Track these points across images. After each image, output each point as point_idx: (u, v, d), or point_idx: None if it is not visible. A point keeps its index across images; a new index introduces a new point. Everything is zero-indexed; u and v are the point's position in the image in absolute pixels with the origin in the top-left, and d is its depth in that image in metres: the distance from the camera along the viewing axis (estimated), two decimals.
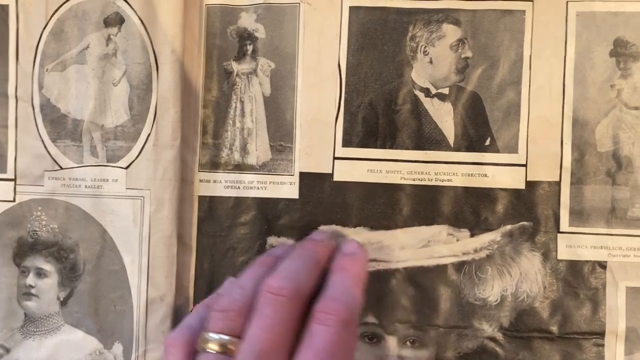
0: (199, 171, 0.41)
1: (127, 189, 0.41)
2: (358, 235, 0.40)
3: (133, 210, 0.40)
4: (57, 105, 0.41)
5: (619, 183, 0.39)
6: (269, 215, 0.41)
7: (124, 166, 0.41)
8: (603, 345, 0.39)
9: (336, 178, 0.40)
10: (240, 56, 0.41)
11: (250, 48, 0.41)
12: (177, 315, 0.41)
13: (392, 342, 0.40)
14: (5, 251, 0.41)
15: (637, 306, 0.39)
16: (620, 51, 0.39)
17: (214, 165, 0.41)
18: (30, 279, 0.41)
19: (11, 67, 0.41)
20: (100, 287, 0.41)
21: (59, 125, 0.41)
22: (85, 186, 0.41)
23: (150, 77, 0.40)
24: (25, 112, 0.41)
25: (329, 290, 0.31)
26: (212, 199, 0.41)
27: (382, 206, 0.40)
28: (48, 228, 0.41)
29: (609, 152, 0.39)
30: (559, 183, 0.39)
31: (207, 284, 0.41)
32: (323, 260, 0.33)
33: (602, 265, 0.39)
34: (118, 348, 0.41)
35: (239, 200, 0.41)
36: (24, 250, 0.41)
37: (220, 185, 0.41)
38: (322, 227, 0.40)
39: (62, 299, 0.41)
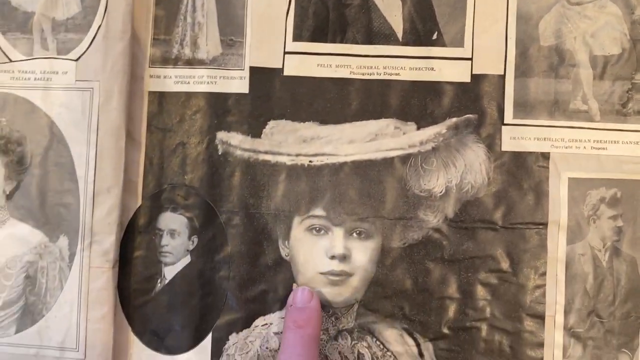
0: (149, 67, 0.41)
1: (76, 80, 0.40)
2: (308, 130, 0.40)
3: (82, 102, 0.40)
4: None
5: (561, 76, 0.40)
6: (219, 110, 0.41)
7: (74, 58, 0.41)
8: (546, 234, 0.39)
9: (286, 73, 0.41)
10: None
11: None
12: (124, 209, 0.40)
13: (339, 233, 0.40)
14: None
15: (579, 196, 0.39)
16: None
17: (165, 60, 0.41)
18: None
19: None
20: (47, 180, 0.40)
21: (9, 17, 0.41)
22: (35, 79, 0.41)
23: None
24: None
25: None
26: (162, 94, 0.41)
27: (331, 101, 0.40)
28: None
29: (552, 46, 0.40)
30: (503, 76, 0.40)
31: (155, 180, 0.41)
32: None
33: (545, 156, 0.39)
34: (63, 241, 0.40)
35: (189, 95, 0.41)
36: None
37: (170, 80, 0.41)
38: (272, 122, 0.41)
39: (7, 193, 0.41)
